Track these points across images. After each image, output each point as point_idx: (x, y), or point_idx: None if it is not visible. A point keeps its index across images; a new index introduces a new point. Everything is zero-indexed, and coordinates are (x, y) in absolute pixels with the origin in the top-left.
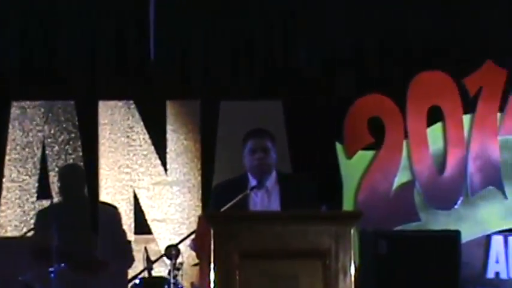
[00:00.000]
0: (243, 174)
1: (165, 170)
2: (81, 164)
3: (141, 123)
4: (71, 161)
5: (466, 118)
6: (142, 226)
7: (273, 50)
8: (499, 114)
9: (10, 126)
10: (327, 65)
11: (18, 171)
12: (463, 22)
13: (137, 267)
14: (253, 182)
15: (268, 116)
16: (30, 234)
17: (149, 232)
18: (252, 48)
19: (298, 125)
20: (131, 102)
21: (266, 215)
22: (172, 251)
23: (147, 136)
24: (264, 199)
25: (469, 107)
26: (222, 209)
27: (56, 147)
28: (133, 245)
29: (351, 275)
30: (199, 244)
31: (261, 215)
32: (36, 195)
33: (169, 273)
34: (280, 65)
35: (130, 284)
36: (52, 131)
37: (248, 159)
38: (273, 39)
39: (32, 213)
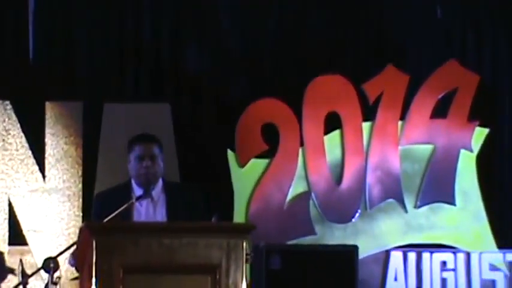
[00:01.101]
0: (127, 182)
1: (43, 176)
2: None
3: (18, 125)
4: None
5: (366, 126)
6: (17, 236)
7: (161, 50)
8: (400, 122)
9: None
10: (219, 68)
11: None
12: (364, 24)
13: (11, 281)
14: (138, 191)
15: (155, 120)
16: None
17: (25, 243)
18: (139, 48)
19: (187, 130)
20: (7, 102)
21: (152, 226)
22: (50, 264)
23: (24, 139)
24: (149, 209)
25: (368, 114)
26: (105, 220)
27: None
28: (7, 257)
29: None
30: (80, 257)
31: (147, 226)
32: None
33: None
34: (169, 66)
35: None
36: None
37: (134, 166)
38: (161, 39)
39: None
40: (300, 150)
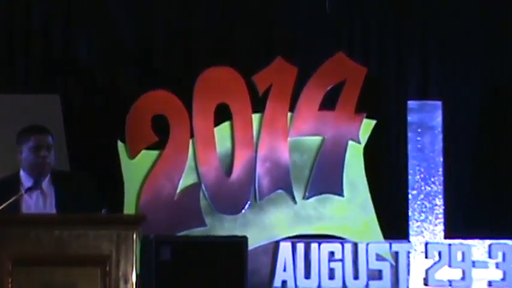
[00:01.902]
0: (15, 173)
1: None
2: None
3: None
4: None
5: (255, 117)
6: None
7: (51, 40)
8: (289, 114)
9: None
10: (110, 58)
11: None
12: (253, 16)
13: None
14: (28, 182)
15: (44, 111)
16: None
17: None
18: (29, 38)
19: (78, 121)
20: None
21: (42, 218)
22: None
23: None
24: (39, 201)
25: (258, 105)
26: None
27: None
28: None
29: (132, 282)
30: None
31: (36, 218)
32: None
33: None
34: (59, 56)
35: None
36: None
37: (29, 157)
38: (52, 29)
39: None
40: (190, 141)
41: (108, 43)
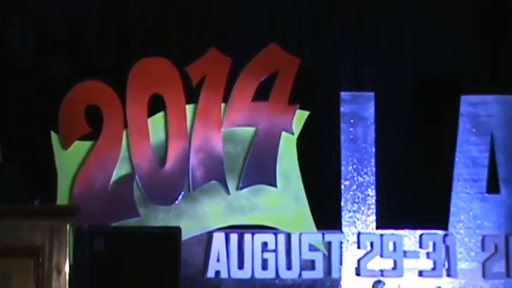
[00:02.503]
0: None
1: None
2: None
3: None
4: None
5: (189, 108)
6: None
7: None
8: (222, 105)
9: None
10: (42, 48)
11: None
12: (187, 7)
13: None
14: None
15: None
16: None
17: None
18: None
19: (9, 111)
20: None
21: None
22: None
23: None
24: None
25: (192, 96)
26: None
27: None
28: None
29: (65, 273)
30: None
31: None
32: None
33: None
34: None
35: None
36: None
37: None
38: None
39: None
40: (124, 132)
41: (41, 33)
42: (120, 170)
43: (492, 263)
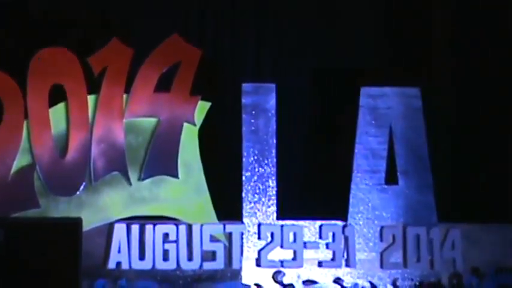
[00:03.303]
0: None
1: None
2: None
3: None
4: None
5: (91, 99)
6: None
7: None
8: (124, 96)
9: None
10: None
11: None
12: None
13: None
14: None
15: None
16: None
17: None
18: None
19: None
20: None
21: None
22: None
23: None
24: None
25: (93, 87)
26: None
27: None
28: None
29: None
30: None
31: None
32: None
33: None
34: None
35: None
36: None
37: None
38: None
39: None
40: (25, 123)
41: None
42: (20, 161)
43: (390, 253)
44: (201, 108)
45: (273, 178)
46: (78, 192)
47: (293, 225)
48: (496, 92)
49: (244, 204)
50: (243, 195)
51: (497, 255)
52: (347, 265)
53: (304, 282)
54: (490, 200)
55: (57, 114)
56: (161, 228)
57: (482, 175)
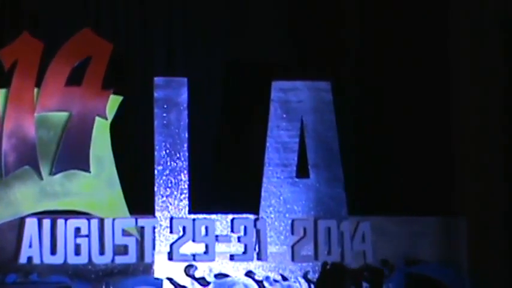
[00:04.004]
0: None
1: None
2: None
3: None
4: None
5: (1, 93)
6: None
7: None
8: (35, 90)
9: None
10: None
11: None
12: None
13: None
14: None
15: None
16: None
17: None
18: None
19: None
20: None
21: None
22: None
23: None
24: None
25: (4, 81)
26: None
27: None
28: None
29: None
30: None
31: None
32: None
33: None
34: None
35: None
36: None
37: None
38: None
39: None
40: None
41: None
42: None
43: (301, 246)
44: (113, 102)
45: (185, 172)
46: None
47: (205, 218)
48: (406, 83)
49: (156, 198)
50: (155, 189)
51: (406, 247)
52: (259, 258)
53: (216, 276)
54: (399, 192)
55: None
56: (73, 223)
57: (391, 168)
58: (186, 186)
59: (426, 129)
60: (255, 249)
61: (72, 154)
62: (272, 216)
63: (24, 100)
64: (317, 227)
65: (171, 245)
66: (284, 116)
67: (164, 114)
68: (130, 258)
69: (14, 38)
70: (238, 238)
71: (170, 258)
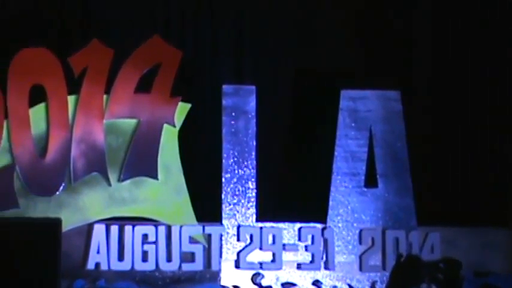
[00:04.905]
0: None
1: None
2: None
3: None
4: None
5: (71, 99)
6: None
7: None
8: (104, 96)
9: None
10: None
11: None
12: None
13: None
14: None
15: None
16: None
17: None
18: None
19: None
20: None
21: None
22: None
23: None
24: None
25: (74, 87)
26: None
27: None
28: None
29: None
30: None
31: None
32: None
33: None
34: None
35: None
36: None
37: None
38: None
39: None
40: (5, 122)
41: None
42: (0, 161)
43: (369, 256)
44: (181, 109)
45: (253, 180)
46: (57, 193)
47: (272, 227)
48: (476, 95)
49: (223, 206)
50: (223, 196)
51: (475, 258)
52: (326, 268)
53: (283, 285)
54: (469, 203)
55: (37, 114)
56: (140, 229)
57: (460, 178)
58: (254, 194)
59: (498, 140)
60: (322, 258)
61: (140, 161)
62: (340, 225)
63: (94, 106)
64: (385, 237)
65: (238, 253)
66: (353, 125)
67: (232, 122)
68: (197, 265)
69: (84, 45)
70: (306, 247)
71: (237, 266)
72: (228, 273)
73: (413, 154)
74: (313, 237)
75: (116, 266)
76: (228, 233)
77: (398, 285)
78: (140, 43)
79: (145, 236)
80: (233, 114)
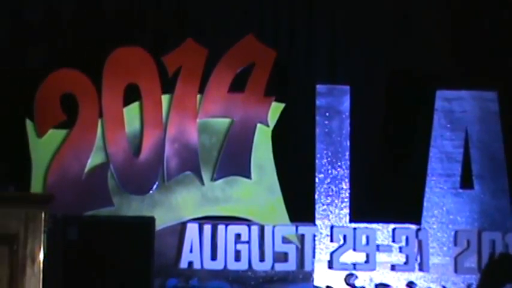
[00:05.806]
0: None
1: None
2: None
3: None
4: None
5: (165, 98)
6: None
7: None
8: (198, 96)
9: None
10: (17, 35)
11: None
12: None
13: None
14: None
15: None
16: None
17: None
18: None
19: None
20: None
21: None
22: None
23: None
24: None
25: (167, 86)
26: None
27: None
28: None
29: (39, 261)
30: None
31: None
32: None
33: None
34: None
35: None
36: None
37: None
38: None
39: None
40: (99, 121)
41: (16, 22)
42: (94, 159)
43: (464, 258)
44: (275, 109)
45: (346, 180)
46: (151, 191)
47: (366, 228)
48: None
49: (316, 206)
50: (316, 197)
51: None
52: (420, 269)
53: (377, 286)
54: None
55: (131, 113)
56: (233, 229)
57: None
58: (347, 194)
59: None
60: (416, 259)
61: (233, 160)
62: (434, 226)
63: (187, 106)
64: (481, 239)
65: (332, 254)
66: (448, 125)
67: (326, 122)
68: (290, 265)
69: (178, 45)
70: (400, 248)
71: (330, 266)
72: (321, 274)
73: (510, 155)
74: (407, 238)
75: (209, 265)
76: (321, 233)
77: (489, 283)
78: (234, 42)
79: (238, 236)
80: (327, 114)
